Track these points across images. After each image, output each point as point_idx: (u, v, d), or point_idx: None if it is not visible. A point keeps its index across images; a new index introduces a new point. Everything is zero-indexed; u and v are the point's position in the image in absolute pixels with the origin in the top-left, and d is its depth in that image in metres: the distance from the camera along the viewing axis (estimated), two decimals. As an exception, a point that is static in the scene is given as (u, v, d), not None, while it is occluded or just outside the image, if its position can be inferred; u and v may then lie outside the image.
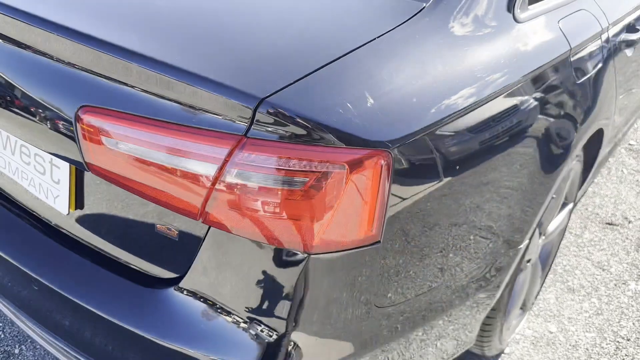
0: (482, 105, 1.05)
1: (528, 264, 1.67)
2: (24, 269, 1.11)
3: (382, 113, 0.91)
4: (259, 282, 0.94)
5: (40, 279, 1.09)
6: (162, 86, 0.88)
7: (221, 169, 0.86)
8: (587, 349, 1.84)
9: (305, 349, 0.97)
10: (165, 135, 0.87)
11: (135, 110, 0.90)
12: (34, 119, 1.03)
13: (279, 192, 0.86)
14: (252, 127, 0.84)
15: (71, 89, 0.96)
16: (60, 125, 0.99)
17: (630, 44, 1.71)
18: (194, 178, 0.88)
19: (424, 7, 1.09)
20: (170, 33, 0.99)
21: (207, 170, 0.87)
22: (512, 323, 1.71)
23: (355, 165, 0.86)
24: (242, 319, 0.97)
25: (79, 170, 1.05)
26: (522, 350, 1.81)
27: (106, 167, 0.95)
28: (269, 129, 0.84)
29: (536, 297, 1.94)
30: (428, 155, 0.96)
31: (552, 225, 1.76)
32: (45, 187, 1.11)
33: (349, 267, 0.94)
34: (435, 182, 0.99)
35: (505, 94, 1.11)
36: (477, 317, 1.36)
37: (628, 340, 1.88)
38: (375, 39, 0.98)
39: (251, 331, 0.96)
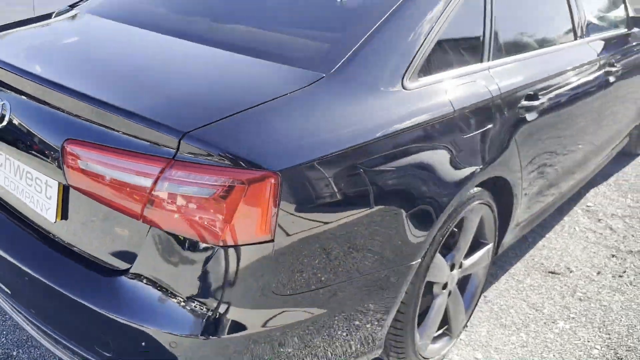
0: (361, 146, 1.42)
1: (444, 290, 1.97)
2: (18, 264, 1.48)
3: (274, 146, 1.29)
4: (187, 269, 1.30)
5: (30, 271, 1.46)
6: (119, 123, 1.28)
7: (155, 182, 1.24)
8: (506, 372, 2.09)
9: (228, 319, 1.30)
10: (117, 158, 1.27)
11: (99, 141, 1.30)
12: (35, 151, 1.45)
13: (197, 200, 1.23)
14: (178, 152, 1.23)
15: (56, 127, 1.38)
16: (52, 154, 1.40)
17: (530, 108, 2.07)
18: (136, 189, 1.26)
19: (322, 77, 1.49)
20: (126, 87, 1.41)
21: (145, 183, 1.25)
22: (429, 344, 1.97)
23: (252, 182, 1.23)
24: (177, 297, 1.31)
25: (65, 188, 1.44)
26: (447, 371, 2.08)
27: (80, 184, 1.34)
28: (191, 154, 1.23)
29: (464, 327, 2.21)
30: (313, 178, 1.33)
31: (469, 261, 2.07)
32: (41, 202, 1.50)
33: (253, 258, 1.28)
34: (322, 198, 1.34)
35: (384, 142, 1.47)
36: (380, 322, 1.66)
37: (546, 367, 2.13)
38: (278, 97, 1.38)
39: (185, 306, 1.30)
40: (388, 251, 1.55)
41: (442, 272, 1.89)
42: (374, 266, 1.53)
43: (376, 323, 1.65)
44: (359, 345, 1.64)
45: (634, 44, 3.22)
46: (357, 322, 1.59)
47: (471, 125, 1.78)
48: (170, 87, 1.43)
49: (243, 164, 1.23)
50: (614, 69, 2.82)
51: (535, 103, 2.09)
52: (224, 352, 1.32)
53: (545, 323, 2.37)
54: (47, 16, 2.10)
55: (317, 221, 1.36)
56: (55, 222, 1.48)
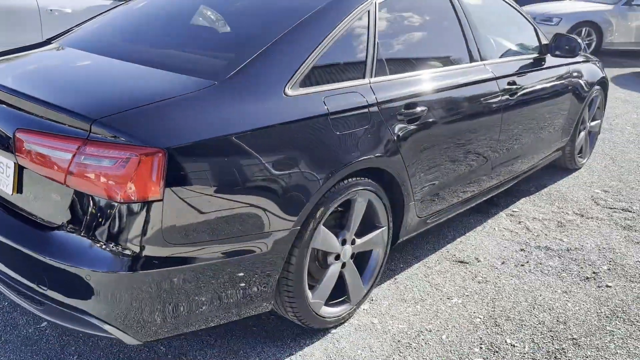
0: (238, 134, 1.91)
1: (336, 261, 2.42)
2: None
3: (164, 130, 1.79)
4: (100, 221, 1.79)
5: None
6: (52, 115, 1.80)
7: (73, 156, 1.74)
8: (394, 334, 2.51)
9: (132, 259, 1.78)
10: (48, 140, 1.78)
11: (39, 129, 1.82)
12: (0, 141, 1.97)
13: (104, 169, 1.73)
14: (90, 134, 1.74)
15: (11, 120, 1.90)
16: (9, 141, 1.92)
17: (410, 116, 2.54)
18: (61, 162, 1.76)
19: (214, 84, 2.00)
20: (61, 91, 1.95)
21: (67, 157, 1.75)
22: (324, 305, 2.40)
23: (145, 155, 1.73)
24: (95, 243, 1.80)
25: (20, 168, 1.96)
26: (344, 331, 2.50)
27: (26, 163, 1.85)
28: (99, 135, 1.73)
29: (364, 298, 2.63)
30: (197, 155, 1.82)
31: (362, 240, 2.52)
32: (3, 180, 2.02)
33: (147, 213, 1.77)
34: (205, 171, 1.83)
35: (260, 132, 1.96)
36: (264, 280, 2.11)
37: (430, 331, 2.54)
38: (172, 97, 1.89)
39: (100, 249, 1.79)
40: (261, 219, 2.02)
41: (329, 243, 2.33)
42: (246, 229, 1.99)
43: (260, 280, 2.10)
44: (246, 297, 2.09)
45: (545, 68, 3.67)
46: (241, 276, 2.05)
47: (345, 125, 2.26)
48: (93, 90, 1.96)
49: (138, 142, 1.73)
50: (516, 89, 3.27)
51: (416, 111, 2.57)
52: (129, 283, 1.80)
53: (440, 299, 2.79)
54: (26, 48, 2.67)
55: (200, 187, 1.84)
56: (12, 195, 1.99)
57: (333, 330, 2.50)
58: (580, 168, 4.65)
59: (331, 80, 2.31)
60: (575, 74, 4.03)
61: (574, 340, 2.50)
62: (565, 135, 4.16)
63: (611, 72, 9.21)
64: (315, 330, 2.47)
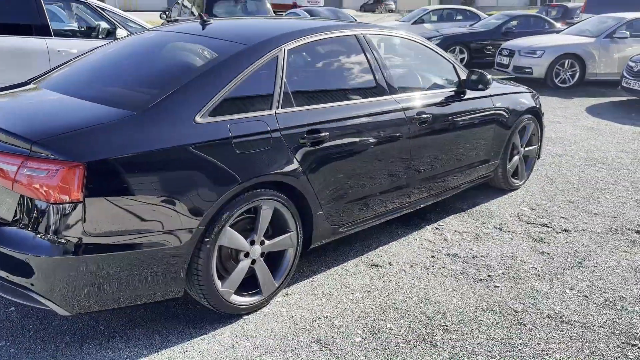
0: (148, 152, 2.50)
1: (246, 258, 2.97)
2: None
3: (85, 148, 2.40)
4: (39, 217, 2.39)
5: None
6: (3, 137, 2.43)
7: (18, 169, 2.36)
8: (295, 319, 3.03)
9: (64, 246, 2.37)
10: (2, 157, 2.40)
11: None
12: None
13: (39, 178, 2.34)
14: (31, 152, 2.36)
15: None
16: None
17: (313, 140, 3.11)
18: (9, 173, 2.38)
19: (134, 114, 2.61)
20: (15, 120, 2.57)
21: (13, 169, 2.37)
22: (234, 294, 2.94)
23: (69, 168, 2.34)
24: (37, 234, 2.40)
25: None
26: (254, 317, 3.03)
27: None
28: (38, 152, 2.35)
29: (276, 291, 3.17)
30: (113, 167, 2.41)
31: (271, 242, 3.07)
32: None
33: (71, 211, 2.36)
34: (120, 181, 2.42)
35: (170, 151, 2.56)
36: (175, 271, 2.67)
37: (326, 317, 3.06)
38: (97, 124, 2.50)
39: (43, 238, 2.38)
40: (169, 219, 2.59)
41: (236, 242, 2.89)
42: (156, 227, 2.56)
43: (171, 269, 2.66)
44: (159, 282, 2.65)
45: (461, 100, 4.21)
46: (154, 264, 2.61)
47: (246, 147, 2.84)
48: (39, 119, 2.60)
49: (64, 158, 2.34)
50: (426, 118, 3.81)
51: (319, 136, 3.14)
52: (61, 266, 2.38)
53: (345, 294, 3.30)
54: (10, 87, 3.33)
55: (115, 192, 2.43)
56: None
57: (245, 317, 3.04)
58: (516, 189, 5.13)
59: (239, 111, 2.90)
60: (498, 104, 4.56)
61: (445, 327, 2.99)
62: (494, 159, 4.66)
63: (589, 102, 9.66)
64: (229, 316, 3.00)
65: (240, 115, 2.89)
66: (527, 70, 10.91)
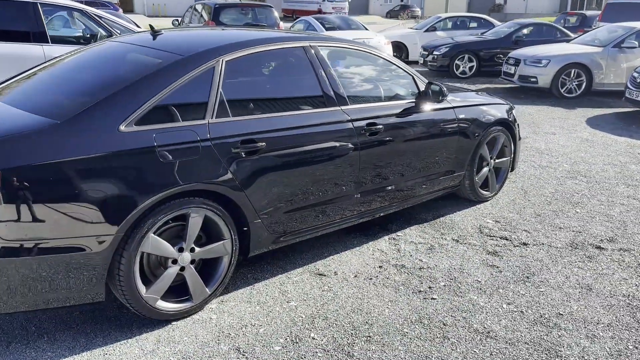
0: (68, 160, 2.60)
1: (174, 265, 3.04)
2: None
3: (2, 154, 2.50)
4: (-42, 223, 2.51)
5: None
6: None
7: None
8: (222, 327, 3.08)
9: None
10: None
11: None
12: None
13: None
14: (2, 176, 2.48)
15: None
16: None
17: (247, 150, 3.17)
18: None
19: (57, 122, 2.71)
20: None
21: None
22: (160, 299, 3.01)
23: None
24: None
25: None
26: (183, 323, 3.10)
27: None
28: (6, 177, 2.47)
29: (210, 298, 3.23)
30: (27, 174, 2.52)
31: (203, 249, 3.13)
32: None
33: (-11, 217, 2.48)
34: (35, 186, 2.53)
35: (94, 159, 2.65)
36: (94, 275, 2.75)
37: (253, 325, 3.10)
38: (18, 132, 2.61)
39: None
40: (87, 225, 2.68)
41: (161, 249, 2.96)
42: (73, 232, 2.65)
43: (90, 273, 2.74)
44: (78, 286, 2.74)
45: (418, 111, 4.22)
46: (72, 268, 2.70)
47: (171, 156, 2.91)
48: None
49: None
50: (377, 130, 3.83)
51: (256, 146, 3.20)
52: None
53: (281, 302, 3.34)
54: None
55: (32, 197, 2.53)
56: None
57: (174, 322, 3.11)
58: (485, 201, 5.09)
59: (168, 121, 2.98)
60: (462, 116, 4.54)
61: (368, 338, 3.01)
62: (459, 170, 4.65)
63: (592, 113, 9.50)
64: (159, 321, 3.08)
65: (168, 124, 2.97)
66: (532, 79, 10.78)
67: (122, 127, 2.82)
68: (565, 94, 10.65)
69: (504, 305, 3.35)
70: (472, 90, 5.36)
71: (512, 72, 11.25)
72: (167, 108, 3.01)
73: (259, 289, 3.49)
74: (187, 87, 3.09)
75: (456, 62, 13.21)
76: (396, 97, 4.27)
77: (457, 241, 4.27)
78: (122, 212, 2.75)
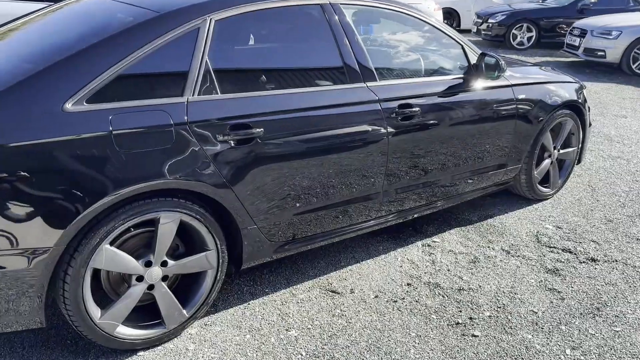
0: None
1: (139, 282, 2.37)
2: None
3: None
4: None
5: None
6: None
7: None
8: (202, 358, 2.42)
9: None
10: None
11: None
12: None
13: None
14: None
15: None
16: None
17: (239, 138, 2.44)
18: None
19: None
20: None
21: None
22: (120, 325, 2.36)
23: None
24: None
25: None
26: (152, 354, 2.44)
27: None
28: None
29: (188, 322, 2.56)
30: None
31: (179, 262, 2.45)
32: None
33: None
34: None
35: (28, 147, 1.98)
36: (31, 298, 2.11)
37: (241, 354, 2.43)
38: None
39: None
40: (17, 236, 2.02)
41: (119, 264, 2.29)
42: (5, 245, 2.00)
43: (23, 296, 2.10)
44: (13, 310, 2.11)
45: (467, 90, 3.37)
46: (11, 293, 2.07)
47: (134, 145, 2.21)
48: None
49: None
50: (412, 113, 3.03)
51: (251, 132, 2.46)
52: None
53: (278, 330, 2.65)
54: None
55: None
56: None
57: (141, 352, 2.46)
58: (545, 199, 4.23)
59: (131, 97, 2.27)
60: (522, 96, 3.67)
61: (384, 392, 2.28)
62: (514, 163, 3.81)
63: (669, 93, 8.32)
64: (122, 350, 2.43)
65: (131, 102, 2.26)
66: (599, 53, 9.59)
67: (68, 106, 2.13)
68: (637, 71, 9.44)
69: (567, 351, 2.56)
70: (534, 65, 4.44)
71: (577, 44, 10.06)
72: (131, 81, 2.30)
73: (254, 308, 2.80)
74: (161, 54, 2.37)
75: (513, 31, 12.04)
76: (439, 71, 3.44)
77: (508, 252, 3.46)
78: (62, 219, 2.08)
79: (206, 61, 2.46)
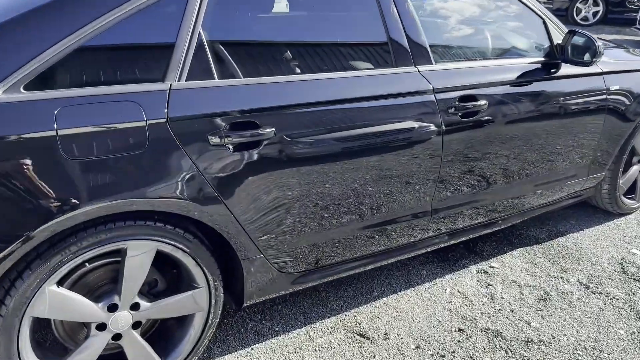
0: None
1: (100, 332, 1.77)
2: None
3: None
4: None
5: None
6: None
7: None
8: None
9: None
10: None
11: None
12: None
13: None
14: None
15: None
16: None
17: (240, 137, 1.78)
18: None
19: None
20: None
21: None
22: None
23: None
24: None
25: None
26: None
27: None
28: None
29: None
30: None
31: (152, 305, 1.83)
32: None
33: None
34: None
35: None
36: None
37: None
38: None
39: None
40: None
41: (70, 310, 1.68)
42: None
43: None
44: None
45: (548, 78, 2.61)
46: None
47: (87, 150, 1.57)
48: None
49: None
50: (477, 107, 2.31)
51: (256, 134, 1.80)
52: None
53: (286, 393, 2.01)
54: None
55: None
56: None
57: (104, 417, 1.86)
58: (629, 213, 3.45)
59: (88, 83, 1.62)
60: (615, 87, 2.88)
61: None
62: (596, 169, 3.03)
63: None
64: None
65: (87, 90, 1.61)
66: (679, 32, 8.48)
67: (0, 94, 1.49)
68: None
69: None
70: (624, 47, 3.59)
71: (652, 21, 8.94)
72: (89, 60, 1.64)
73: (258, 357, 2.17)
74: (134, 21, 1.70)
75: (577, 5, 10.92)
76: (512, 52, 2.68)
77: (587, 287, 2.72)
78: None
79: (199, 32, 1.78)
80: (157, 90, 1.69)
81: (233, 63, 1.86)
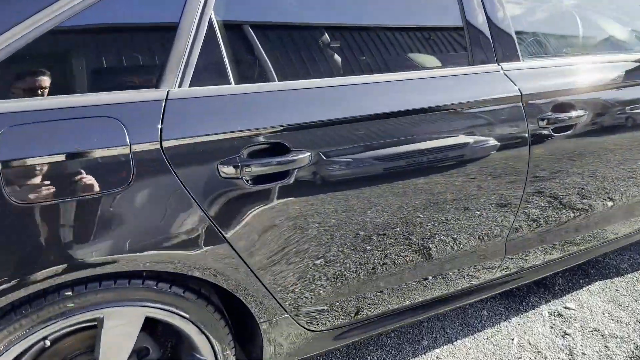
0: None
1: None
2: None
3: None
4: None
5: None
6: None
7: None
8: None
9: None
10: None
11: None
12: None
13: None
14: None
15: None
16: None
17: (269, 166, 1.28)
18: None
19: None
20: None
21: None
22: None
23: None
24: None
25: None
26: None
27: None
28: None
29: None
30: None
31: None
32: None
33: None
34: None
35: None
36: None
37: None
38: None
39: None
40: None
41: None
42: None
43: None
44: None
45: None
46: None
47: (46, 188, 1.08)
48: None
49: None
50: (575, 121, 1.76)
51: (280, 162, 1.29)
52: None
53: None
54: None
55: None
56: None
57: None
58: None
59: (51, 91, 1.13)
60: None
61: None
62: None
63: None
64: None
65: (46, 101, 1.11)
66: None
67: None
68: None
69: None
70: None
71: None
72: (46, 57, 1.14)
73: None
74: (115, 4, 1.19)
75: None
76: (614, 44, 2.10)
77: (690, 341, 2.18)
78: None
79: (210, 15, 1.26)
80: (147, 100, 1.19)
81: (257, 59, 1.34)
